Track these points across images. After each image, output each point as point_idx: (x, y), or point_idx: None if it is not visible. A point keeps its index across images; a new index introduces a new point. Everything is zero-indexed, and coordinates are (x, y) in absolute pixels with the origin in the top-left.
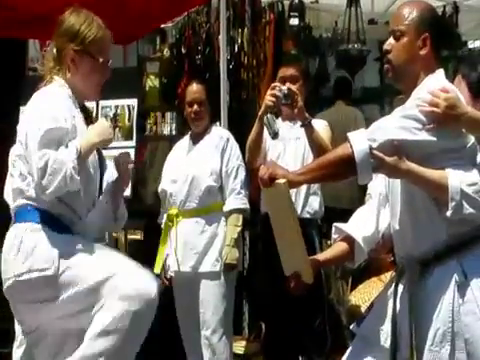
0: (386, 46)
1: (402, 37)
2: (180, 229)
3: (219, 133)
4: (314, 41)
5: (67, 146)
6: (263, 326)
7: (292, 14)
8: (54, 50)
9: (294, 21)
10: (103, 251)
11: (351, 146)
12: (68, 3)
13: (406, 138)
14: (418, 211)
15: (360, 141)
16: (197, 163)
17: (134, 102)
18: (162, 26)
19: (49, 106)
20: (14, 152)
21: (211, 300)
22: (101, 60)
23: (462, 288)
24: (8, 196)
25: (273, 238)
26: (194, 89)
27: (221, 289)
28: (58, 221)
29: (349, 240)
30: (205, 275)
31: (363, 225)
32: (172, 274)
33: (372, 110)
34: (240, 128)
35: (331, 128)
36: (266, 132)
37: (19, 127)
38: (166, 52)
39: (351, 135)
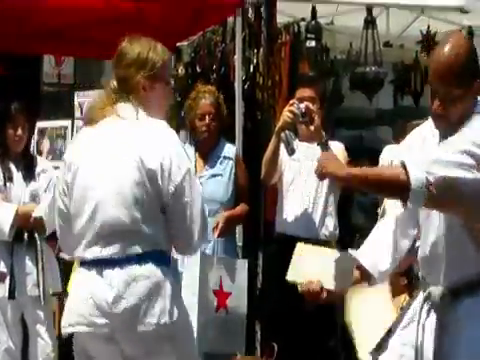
0: (439, 111)
1: (457, 100)
2: None
3: None
4: (329, 62)
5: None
6: (275, 347)
7: (308, 36)
8: (114, 83)
9: (310, 43)
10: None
11: (407, 174)
12: (83, 18)
13: (462, 176)
14: (454, 243)
15: (417, 172)
16: None
17: None
18: (177, 44)
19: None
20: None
21: None
22: (170, 83)
23: None
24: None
25: (287, 258)
26: None
27: None
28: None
29: (363, 269)
30: None
31: (380, 257)
32: None
33: (386, 132)
34: (255, 148)
35: None
36: (283, 149)
37: (154, 164)
38: (181, 70)
39: (408, 163)
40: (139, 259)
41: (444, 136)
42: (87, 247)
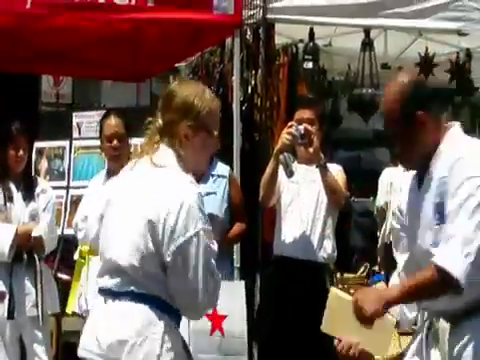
0: (399, 156)
1: (407, 139)
2: (92, 266)
3: None
4: (327, 84)
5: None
6: None
7: (306, 57)
8: (160, 122)
9: (308, 64)
10: None
11: (451, 274)
12: (82, 39)
13: None
14: None
15: (457, 263)
16: None
17: None
18: (176, 65)
19: (202, 213)
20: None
21: None
22: (215, 133)
23: None
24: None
25: (285, 280)
26: (113, 123)
27: None
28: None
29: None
30: None
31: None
32: (85, 314)
33: (384, 153)
34: (252, 170)
35: None
36: (281, 171)
37: (163, 212)
38: None
39: (441, 261)
40: (135, 297)
41: (419, 178)
42: (100, 275)
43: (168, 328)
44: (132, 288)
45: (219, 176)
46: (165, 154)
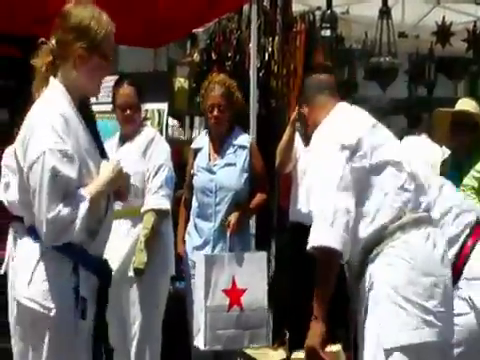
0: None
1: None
2: None
3: (146, 133)
4: (344, 51)
5: (75, 195)
6: (287, 334)
7: (324, 25)
8: (53, 42)
9: (326, 32)
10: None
11: (327, 246)
12: (98, 4)
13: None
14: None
15: (327, 234)
16: None
17: (164, 106)
18: (193, 31)
19: (55, 134)
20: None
21: (135, 305)
22: (110, 57)
23: (371, 290)
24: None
25: (301, 246)
26: (125, 92)
27: (144, 294)
28: (70, 245)
29: None
30: (130, 280)
31: None
32: None
33: (400, 122)
34: (268, 136)
35: None
36: (298, 137)
37: (18, 144)
38: (196, 57)
39: (315, 242)
40: (28, 231)
41: None
42: None
43: (47, 259)
44: (26, 224)
45: (240, 147)
46: (52, 86)
